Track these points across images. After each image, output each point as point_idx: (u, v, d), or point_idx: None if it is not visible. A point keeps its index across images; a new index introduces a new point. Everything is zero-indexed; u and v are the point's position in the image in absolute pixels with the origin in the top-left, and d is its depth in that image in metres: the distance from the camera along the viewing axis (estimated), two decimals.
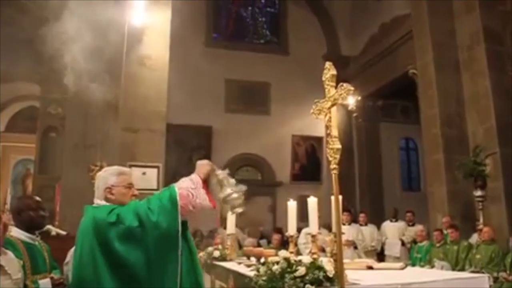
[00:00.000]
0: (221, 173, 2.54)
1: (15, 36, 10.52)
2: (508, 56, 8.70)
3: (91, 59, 7.25)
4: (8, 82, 13.46)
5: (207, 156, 12.78)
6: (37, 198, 3.40)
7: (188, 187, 2.41)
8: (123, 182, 2.64)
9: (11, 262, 2.49)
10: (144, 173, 8.10)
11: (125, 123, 8.03)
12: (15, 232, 3.17)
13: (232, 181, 2.52)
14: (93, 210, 2.53)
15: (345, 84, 2.56)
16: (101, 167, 7.66)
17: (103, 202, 2.60)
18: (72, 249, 3.80)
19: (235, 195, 2.47)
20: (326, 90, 2.66)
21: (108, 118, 7.88)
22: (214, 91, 13.26)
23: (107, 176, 2.67)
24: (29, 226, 3.23)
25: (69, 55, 8.28)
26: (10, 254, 2.55)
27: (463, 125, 9.13)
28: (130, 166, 7.97)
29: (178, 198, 2.35)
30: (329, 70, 2.69)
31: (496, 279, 6.61)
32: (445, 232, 8.21)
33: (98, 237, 2.37)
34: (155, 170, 8.14)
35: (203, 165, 2.57)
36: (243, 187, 2.50)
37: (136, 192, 2.68)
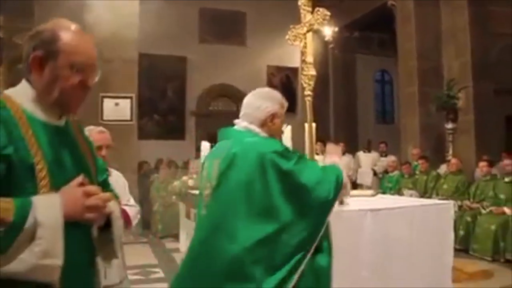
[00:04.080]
0: None
1: None
2: None
3: None
4: None
5: (182, 87, 12.61)
6: None
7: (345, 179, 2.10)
8: (283, 117, 2.23)
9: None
10: (117, 104, 7.96)
11: (96, 52, 7.75)
12: None
13: None
14: (257, 142, 2.05)
15: (321, 9, 2.48)
16: None
17: (253, 127, 2.13)
18: None
19: None
20: (302, 15, 2.59)
21: None
22: (187, 20, 12.80)
23: (271, 101, 2.18)
24: None
25: None
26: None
27: (439, 59, 9.14)
28: (103, 97, 7.82)
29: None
30: None
31: (460, 207, 6.93)
32: (414, 163, 8.46)
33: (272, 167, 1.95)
34: (129, 100, 8.00)
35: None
36: None
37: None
